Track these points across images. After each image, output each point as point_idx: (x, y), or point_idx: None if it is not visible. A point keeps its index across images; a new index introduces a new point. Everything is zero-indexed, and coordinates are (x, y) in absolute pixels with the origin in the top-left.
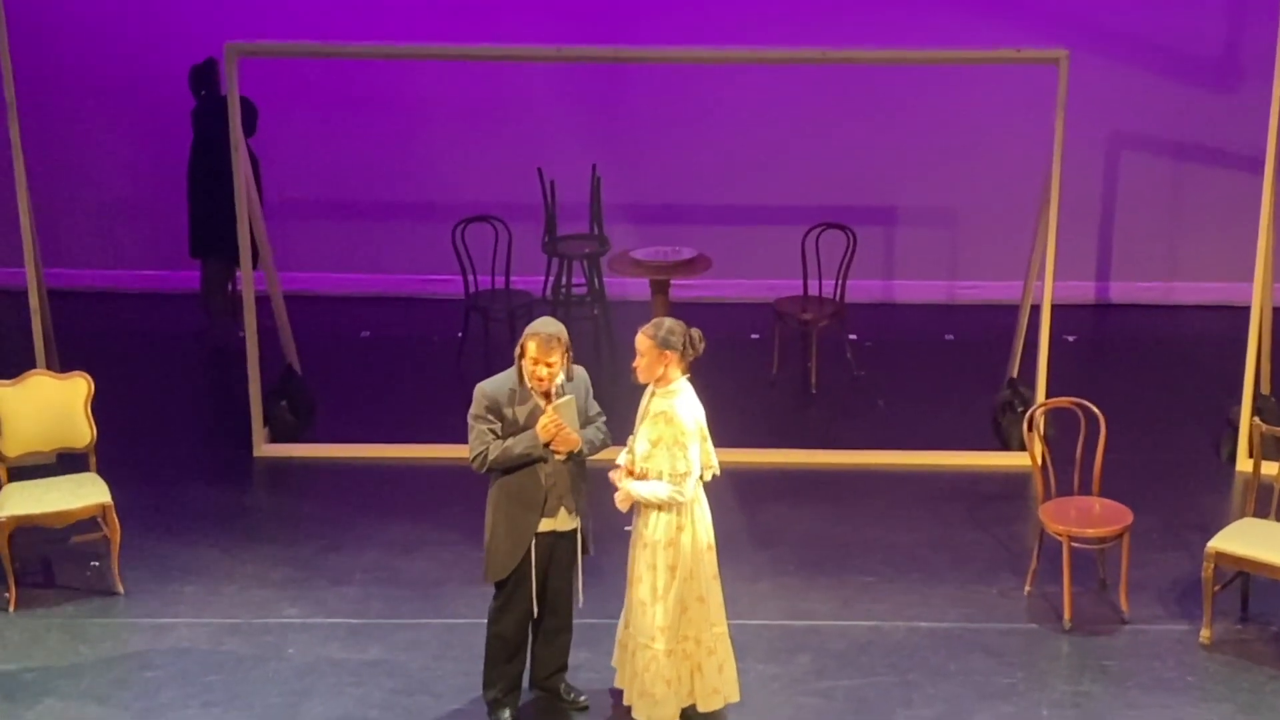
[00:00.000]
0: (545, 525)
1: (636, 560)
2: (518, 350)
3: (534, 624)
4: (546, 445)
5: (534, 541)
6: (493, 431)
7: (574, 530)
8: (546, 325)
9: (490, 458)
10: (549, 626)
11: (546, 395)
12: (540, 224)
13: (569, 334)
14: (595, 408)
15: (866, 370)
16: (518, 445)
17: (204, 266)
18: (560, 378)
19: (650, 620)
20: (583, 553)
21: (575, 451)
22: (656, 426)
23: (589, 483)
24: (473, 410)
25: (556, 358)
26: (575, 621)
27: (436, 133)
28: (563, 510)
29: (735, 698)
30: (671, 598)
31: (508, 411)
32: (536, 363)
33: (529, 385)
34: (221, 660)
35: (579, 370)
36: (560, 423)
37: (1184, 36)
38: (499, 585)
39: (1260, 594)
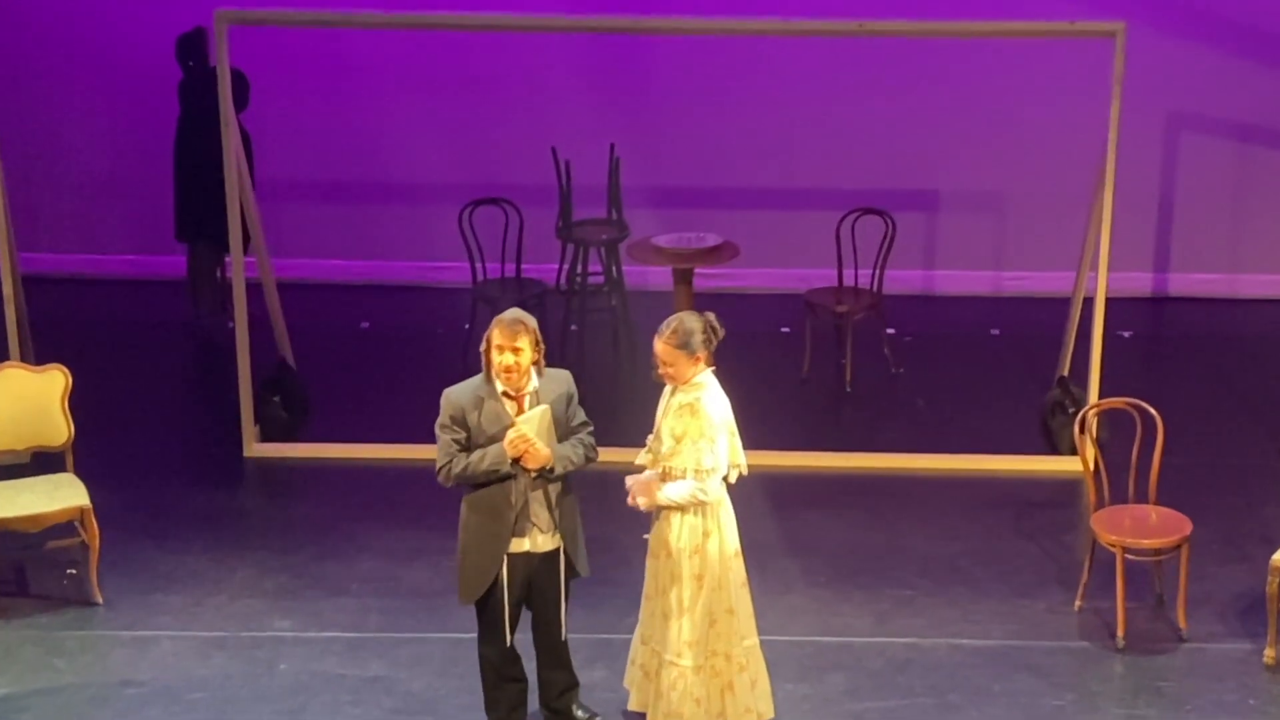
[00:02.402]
0: (518, 546)
1: (659, 571)
2: (483, 347)
3: (536, 643)
4: (515, 461)
5: (505, 563)
6: (457, 442)
7: (555, 551)
8: (509, 311)
9: (454, 472)
10: (544, 650)
11: (516, 400)
12: (554, 208)
13: (580, 326)
14: (580, 416)
15: (905, 367)
16: (484, 461)
17: (191, 252)
18: (534, 382)
19: (676, 635)
20: (571, 576)
21: (548, 471)
22: (681, 420)
23: (572, 498)
24: (439, 419)
25: (524, 342)
26: (590, 637)
27: (443, 108)
28: (535, 530)
29: (770, 714)
30: (699, 610)
31: (472, 418)
32: (502, 350)
33: (500, 382)
34: (208, 676)
35: (562, 374)
36: (528, 438)
37: (1250, 9)
38: (478, 608)
39: None
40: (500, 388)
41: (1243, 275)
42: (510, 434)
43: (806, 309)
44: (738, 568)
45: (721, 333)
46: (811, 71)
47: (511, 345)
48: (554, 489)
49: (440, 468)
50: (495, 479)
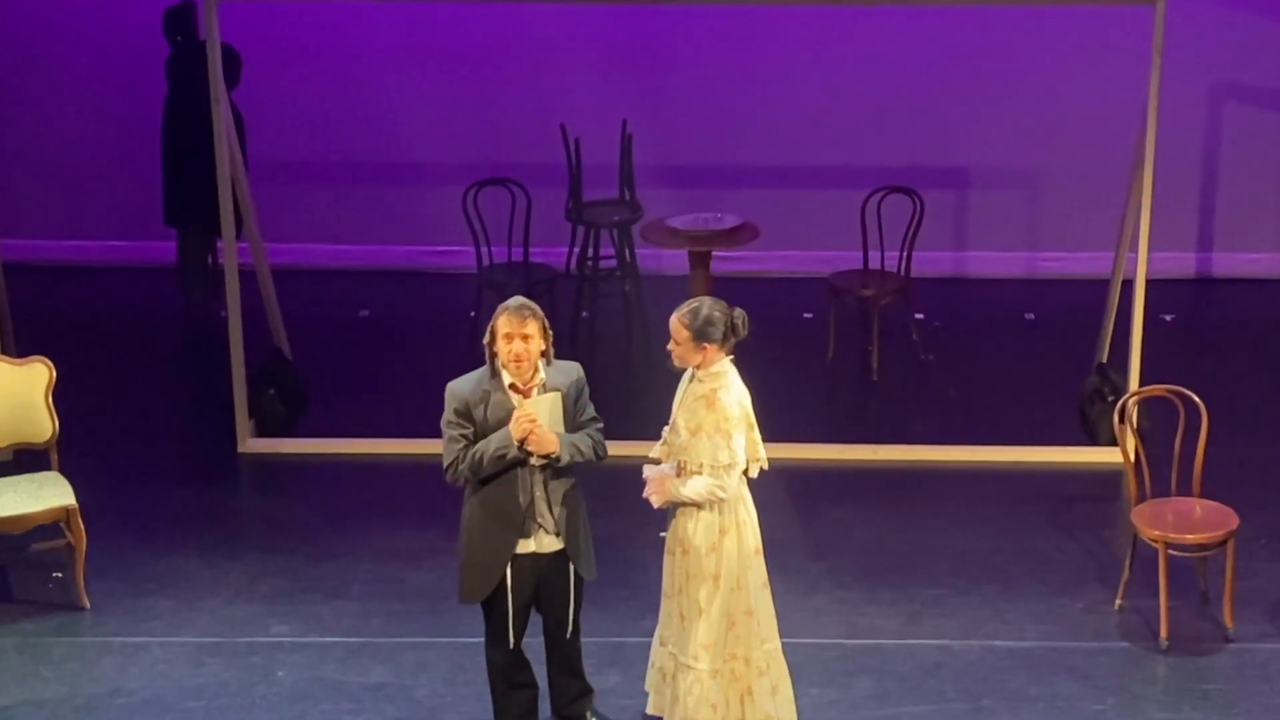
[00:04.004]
0: (524, 547)
1: (674, 569)
2: (487, 338)
3: (546, 648)
4: (521, 445)
5: (511, 565)
6: (465, 438)
7: (563, 551)
8: (514, 298)
9: (462, 468)
10: (554, 655)
11: (524, 394)
12: (563, 188)
13: (592, 312)
14: (589, 411)
15: (935, 354)
16: (489, 445)
17: (181, 236)
18: (542, 373)
19: (692, 637)
20: (578, 577)
21: (553, 458)
22: (696, 413)
23: (578, 496)
24: (444, 416)
25: (532, 328)
26: (603, 641)
27: (445, 84)
28: (541, 531)
29: None
30: (716, 611)
31: (478, 413)
32: (510, 338)
33: (508, 373)
34: (202, 684)
35: (571, 366)
36: (535, 417)
37: None
38: (485, 610)
39: None
40: (507, 380)
41: None
42: (517, 412)
43: (830, 293)
44: (758, 567)
45: (744, 334)
46: (834, 43)
47: (520, 332)
48: (559, 487)
49: (448, 466)
50: (504, 467)
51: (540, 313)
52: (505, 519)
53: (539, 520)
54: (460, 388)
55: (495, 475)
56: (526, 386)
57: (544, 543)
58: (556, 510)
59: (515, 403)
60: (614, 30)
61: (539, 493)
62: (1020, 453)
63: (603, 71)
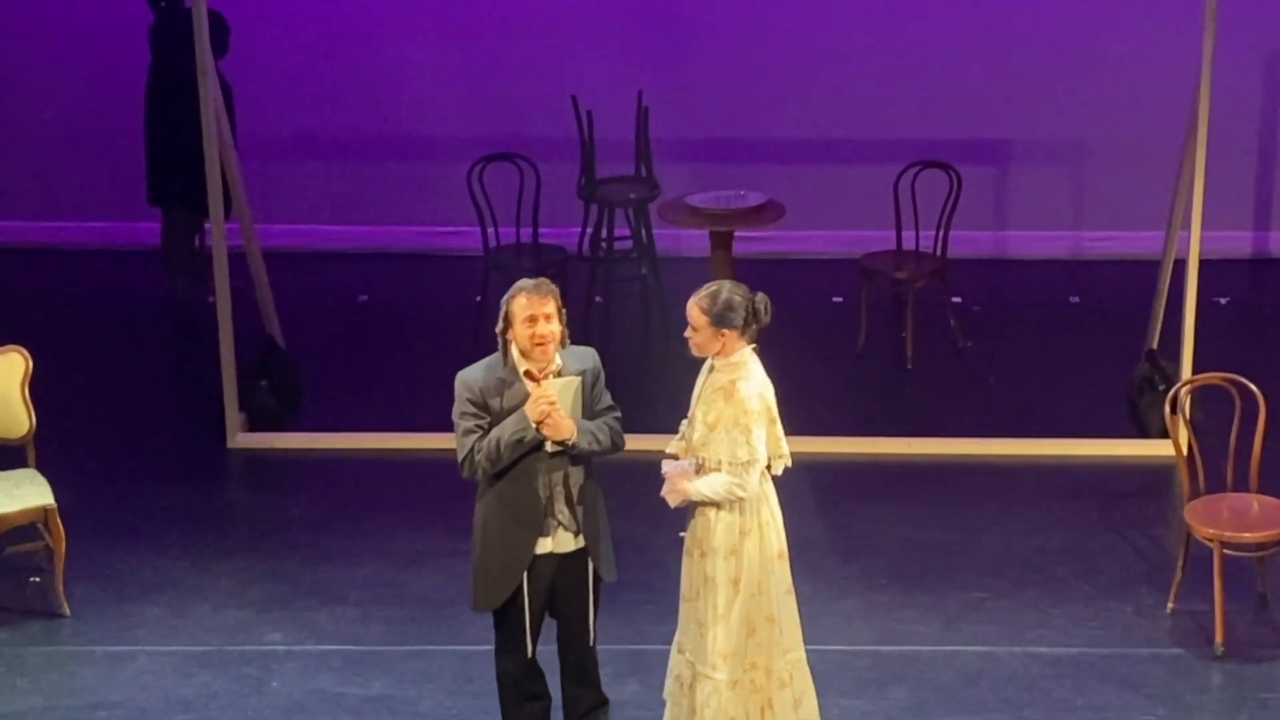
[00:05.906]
0: (542, 547)
1: (691, 573)
2: (500, 325)
3: (560, 656)
4: (538, 427)
5: (529, 566)
6: (480, 429)
7: (580, 552)
8: (525, 279)
9: (479, 459)
10: (569, 664)
11: (539, 383)
12: (575, 164)
13: (606, 297)
14: (606, 400)
15: (974, 341)
16: (505, 430)
17: (165, 217)
18: (558, 360)
19: (710, 645)
20: (596, 579)
21: (569, 444)
22: (714, 405)
23: (597, 492)
24: (456, 407)
25: (553, 308)
26: (620, 648)
27: (449, 53)
28: (558, 528)
29: None
30: (735, 618)
31: (494, 404)
32: (534, 320)
33: (529, 359)
34: (190, 696)
35: (587, 352)
36: (554, 399)
37: None
38: (497, 616)
39: None
40: (522, 367)
41: None
42: (536, 392)
43: (862, 276)
44: (781, 571)
45: (766, 320)
46: (865, 7)
47: (543, 311)
48: (576, 481)
49: (464, 459)
50: (523, 453)
51: (556, 289)
52: (524, 516)
53: (557, 517)
54: (472, 377)
55: (510, 467)
56: (542, 373)
57: (561, 541)
58: (575, 507)
59: (530, 390)
60: None
61: (557, 488)
62: (1065, 446)
63: (617, 39)
